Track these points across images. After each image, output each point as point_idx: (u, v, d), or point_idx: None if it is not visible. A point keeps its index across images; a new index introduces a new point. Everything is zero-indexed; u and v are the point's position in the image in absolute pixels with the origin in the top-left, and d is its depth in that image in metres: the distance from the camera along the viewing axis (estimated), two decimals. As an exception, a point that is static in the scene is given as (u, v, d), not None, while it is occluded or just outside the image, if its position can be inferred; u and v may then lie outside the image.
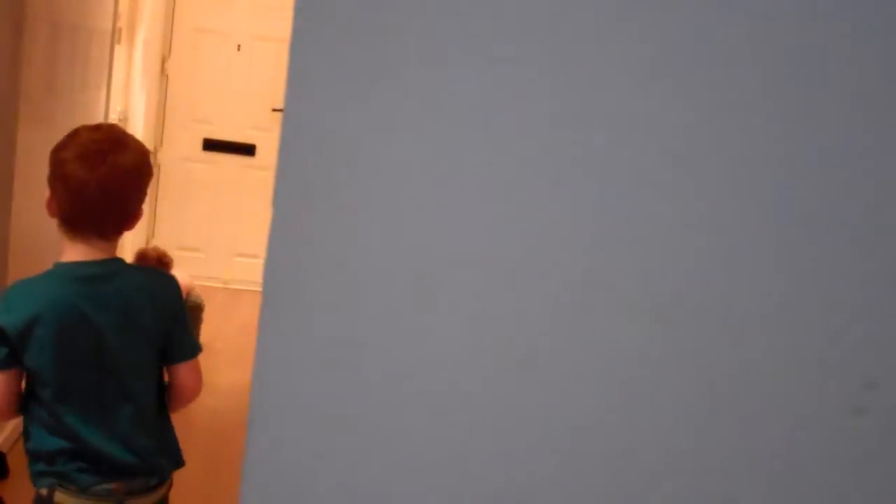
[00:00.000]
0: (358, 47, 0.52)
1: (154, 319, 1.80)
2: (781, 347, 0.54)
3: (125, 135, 1.83)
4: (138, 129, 5.16)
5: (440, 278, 0.54)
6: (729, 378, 0.54)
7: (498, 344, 0.54)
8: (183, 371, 1.87)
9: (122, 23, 4.65)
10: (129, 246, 4.97)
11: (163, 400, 1.89)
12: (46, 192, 1.77)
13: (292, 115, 0.54)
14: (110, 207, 1.75)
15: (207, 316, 4.54)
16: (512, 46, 0.52)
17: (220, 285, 5.76)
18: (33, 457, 1.80)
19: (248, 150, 5.74)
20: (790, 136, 0.52)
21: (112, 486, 1.79)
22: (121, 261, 1.82)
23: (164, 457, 1.87)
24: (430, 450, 0.56)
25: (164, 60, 5.65)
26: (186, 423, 3.57)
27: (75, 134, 1.77)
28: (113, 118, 4.56)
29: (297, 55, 0.53)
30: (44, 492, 1.79)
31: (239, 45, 5.63)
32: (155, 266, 3.91)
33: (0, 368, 1.72)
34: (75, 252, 1.76)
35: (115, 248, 1.82)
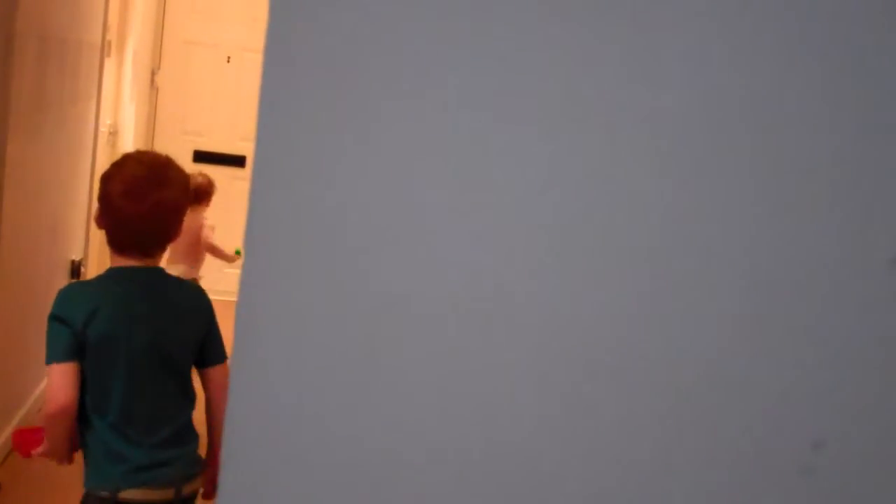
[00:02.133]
0: (333, 68, 0.53)
1: (197, 326, 2.03)
2: (728, 405, 0.54)
3: (168, 167, 2.00)
4: (128, 141, 5.15)
5: (421, 312, 0.54)
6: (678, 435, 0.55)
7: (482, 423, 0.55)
8: (220, 372, 2.06)
9: (112, 35, 4.66)
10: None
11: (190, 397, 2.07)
12: (96, 208, 1.98)
13: (265, 140, 0.55)
14: (154, 235, 1.96)
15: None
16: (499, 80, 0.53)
17: (211, 297, 5.74)
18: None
19: (237, 161, 5.74)
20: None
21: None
22: (163, 270, 2.04)
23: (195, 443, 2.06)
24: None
25: (153, 73, 5.66)
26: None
27: (122, 164, 1.96)
28: (103, 131, 4.56)
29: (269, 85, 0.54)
30: (105, 493, 1.89)
31: (229, 57, 5.64)
32: (203, 188, 4.07)
33: (64, 359, 1.84)
34: (123, 261, 1.96)
35: (159, 260, 2.03)
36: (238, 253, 4.66)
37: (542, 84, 0.53)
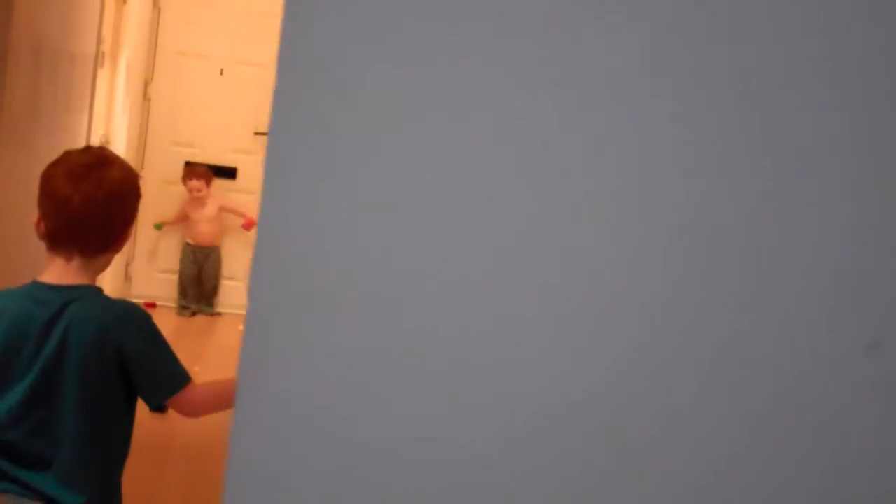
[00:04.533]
0: (344, 74, 0.54)
1: (90, 355, 1.71)
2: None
3: (114, 156, 1.85)
4: (120, 152, 5.15)
5: (429, 320, 0.55)
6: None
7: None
8: (174, 406, 1.80)
9: (105, 47, 4.67)
10: (108, 270, 4.95)
11: (110, 448, 1.80)
12: (35, 215, 1.77)
13: (277, 142, 0.56)
14: (94, 222, 1.74)
15: (188, 339, 4.52)
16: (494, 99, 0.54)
17: (193, 306, 5.74)
18: None
19: (229, 173, 5.74)
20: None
21: None
22: (88, 289, 1.77)
23: None
24: None
25: (146, 84, 5.66)
26: (164, 447, 3.55)
27: (66, 154, 1.80)
28: (95, 141, 4.56)
29: (283, 81, 0.55)
30: None
31: (222, 70, 5.65)
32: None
33: None
34: (51, 273, 1.75)
35: (95, 269, 1.80)
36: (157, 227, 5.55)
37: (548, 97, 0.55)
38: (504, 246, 0.55)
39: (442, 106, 0.54)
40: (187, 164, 5.65)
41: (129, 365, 1.73)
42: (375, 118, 0.55)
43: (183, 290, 5.71)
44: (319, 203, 0.55)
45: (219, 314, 5.66)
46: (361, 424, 0.57)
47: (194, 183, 5.51)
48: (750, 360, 0.55)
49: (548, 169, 0.55)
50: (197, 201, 5.57)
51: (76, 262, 1.75)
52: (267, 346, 0.57)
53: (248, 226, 5.64)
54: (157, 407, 1.88)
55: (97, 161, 1.77)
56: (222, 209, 5.63)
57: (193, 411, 1.83)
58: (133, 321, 1.77)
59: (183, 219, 5.62)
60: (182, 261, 5.70)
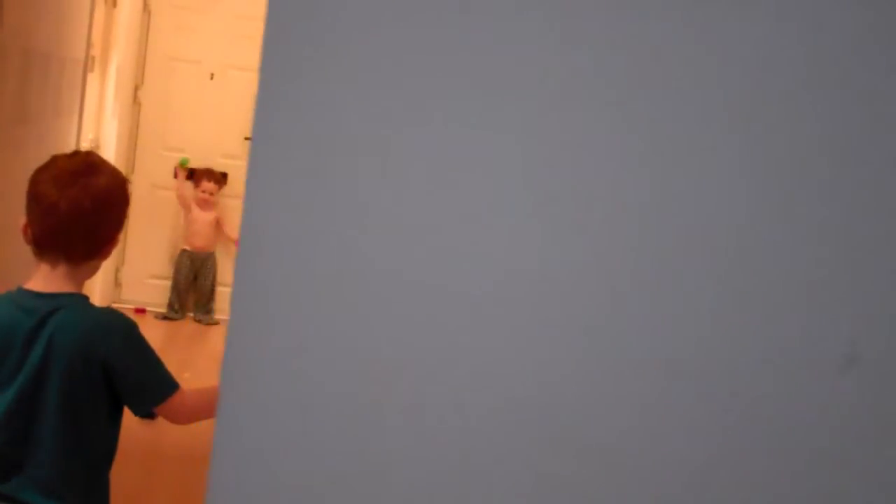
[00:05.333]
0: (327, 79, 0.54)
1: (75, 364, 1.70)
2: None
3: (102, 161, 1.83)
4: (110, 156, 5.14)
5: (411, 334, 0.55)
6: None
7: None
8: (162, 413, 1.79)
9: (95, 51, 4.66)
10: (98, 276, 4.93)
11: (94, 456, 1.79)
12: (22, 220, 1.75)
13: (259, 155, 0.56)
14: (80, 228, 1.72)
15: (178, 346, 4.51)
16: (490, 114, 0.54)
17: (191, 314, 5.73)
18: None
19: (221, 178, 5.74)
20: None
21: None
22: (74, 297, 1.75)
23: None
24: None
25: (136, 88, 5.65)
26: (155, 453, 3.54)
27: (53, 160, 1.78)
28: (84, 146, 4.55)
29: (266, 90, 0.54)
30: None
31: (212, 74, 5.64)
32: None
33: None
34: (37, 279, 1.74)
35: (81, 276, 1.78)
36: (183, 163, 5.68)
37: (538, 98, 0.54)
38: (495, 250, 0.55)
39: (425, 108, 0.54)
40: (192, 169, 5.73)
41: (114, 374, 1.72)
42: (359, 123, 0.54)
43: (178, 297, 5.68)
44: (303, 207, 0.55)
45: (217, 323, 5.63)
46: (349, 433, 0.56)
47: (208, 185, 5.60)
48: (722, 370, 0.55)
49: (537, 168, 0.55)
50: (205, 203, 5.61)
51: (62, 269, 1.74)
52: (250, 352, 0.56)
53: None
54: (146, 413, 1.87)
55: (84, 167, 1.75)
56: (219, 222, 5.66)
57: (182, 418, 1.82)
58: (118, 330, 1.76)
59: (187, 206, 5.65)
60: (177, 268, 5.67)
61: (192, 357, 4.84)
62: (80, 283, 1.79)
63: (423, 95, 0.53)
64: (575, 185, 0.54)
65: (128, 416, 1.82)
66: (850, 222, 0.55)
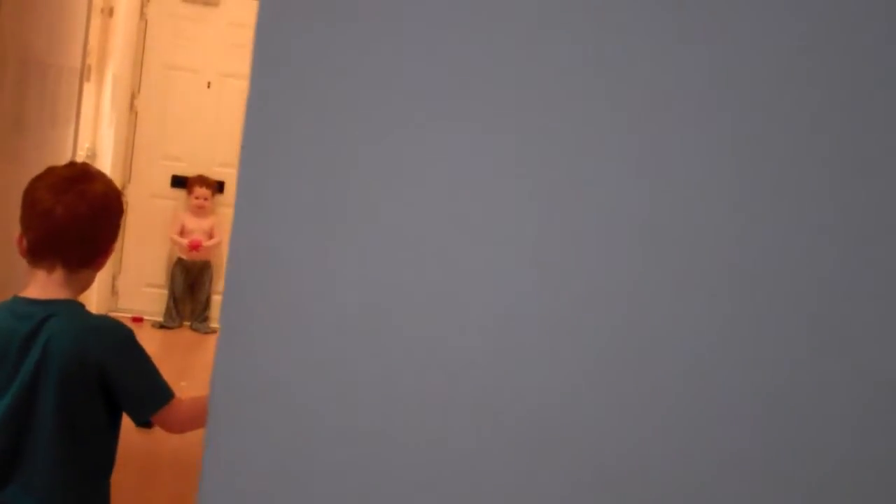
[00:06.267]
0: (320, 90, 0.54)
1: (70, 370, 1.69)
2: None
3: (97, 171, 1.84)
4: (106, 165, 5.14)
5: (401, 338, 0.55)
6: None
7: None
8: (157, 422, 1.79)
9: (92, 59, 4.66)
10: (95, 284, 4.93)
11: (90, 464, 1.78)
12: (17, 231, 1.76)
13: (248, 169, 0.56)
14: (75, 233, 1.73)
15: (175, 354, 4.50)
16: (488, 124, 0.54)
17: (188, 322, 5.72)
18: None
19: (217, 187, 5.73)
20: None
21: None
22: (69, 303, 1.75)
23: None
24: None
25: (133, 97, 5.65)
26: (152, 459, 3.53)
27: (49, 169, 1.80)
28: (81, 154, 4.55)
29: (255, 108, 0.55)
30: None
31: (209, 83, 5.64)
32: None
33: None
34: (32, 287, 1.74)
35: (76, 284, 1.78)
36: None
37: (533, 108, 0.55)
38: (488, 257, 0.55)
39: (419, 114, 0.54)
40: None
41: (110, 382, 1.72)
42: (351, 129, 0.54)
43: (174, 306, 5.67)
44: (293, 215, 0.55)
45: (214, 331, 5.63)
46: (340, 442, 0.56)
47: (201, 191, 5.55)
48: (743, 361, 0.55)
49: (534, 169, 0.55)
50: (200, 210, 5.58)
51: (58, 275, 1.74)
52: (240, 363, 0.56)
53: (193, 246, 5.58)
54: (143, 422, 1.87)
55: (80, 175, 1.77)
56: (215, 231, 5.64)
57: (178, 427, 1.81)
58: (114, 337, 1.76)
59: (183, 232, 5.61)
60: (173, 278, 5.66)
61: (188, 366, 4.83)
62: (76, 292, 1.78)
63: (413, 108, 0.54)
64: (577, 188, 0.54)
65: (125, 424, 1.81)
66: (858, 223, 0.55)
